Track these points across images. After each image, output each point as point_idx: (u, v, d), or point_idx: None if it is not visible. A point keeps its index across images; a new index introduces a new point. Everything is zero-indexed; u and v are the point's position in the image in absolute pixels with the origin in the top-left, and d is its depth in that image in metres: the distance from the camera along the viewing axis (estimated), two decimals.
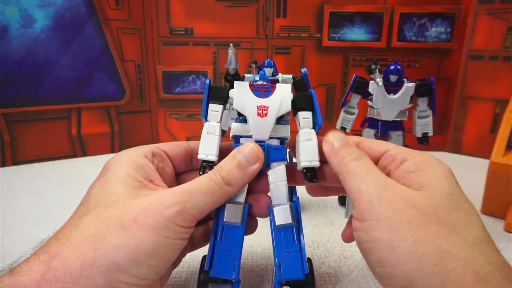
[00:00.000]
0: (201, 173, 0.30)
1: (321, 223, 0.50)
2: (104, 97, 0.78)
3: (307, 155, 0.30)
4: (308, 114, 0.32)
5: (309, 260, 0.33)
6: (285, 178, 0.31)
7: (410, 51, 0.80)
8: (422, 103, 0.48)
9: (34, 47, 0.70)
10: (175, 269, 0.35)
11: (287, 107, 0.31)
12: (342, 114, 0.51)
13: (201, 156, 0.30)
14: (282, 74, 0.50)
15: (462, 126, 0.82)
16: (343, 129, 0.51)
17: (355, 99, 0.50)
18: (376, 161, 0.29)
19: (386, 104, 0.47)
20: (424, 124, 0.49)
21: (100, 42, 0.76)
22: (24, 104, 0.72)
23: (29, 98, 0.72)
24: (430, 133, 0.49)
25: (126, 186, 0.27)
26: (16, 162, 0.73)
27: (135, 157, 0.30)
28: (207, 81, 0.32)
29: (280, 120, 0.31)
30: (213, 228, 0.30)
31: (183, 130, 0.85)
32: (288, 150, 0.33)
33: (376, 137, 0.50)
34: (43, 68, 0.72)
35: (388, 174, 0.28)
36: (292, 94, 0.32)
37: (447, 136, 0.85)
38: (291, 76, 0.49)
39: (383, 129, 0.49)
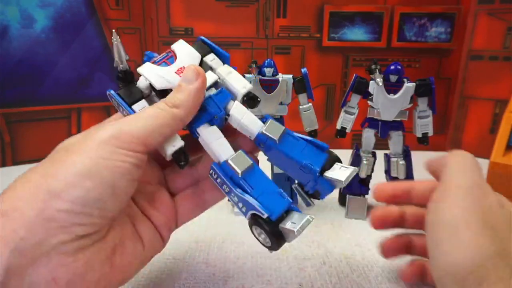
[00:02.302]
0: (181, 164, 0.30)
1: (321, 223, 0.50)
2: (104, 97, 0.77)
3: (237, 84, 0.32)
4: (212, 56, 0.33)
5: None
6: (246, 110, 0.31)
7: (410, 51, 0.80)
8: (422, 103, 0.48)
9: (34, 47, 0.70)
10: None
11: (196, 55, 0.32)
12: (342, 114, 0.51)
13: (169, 150, 0.30)
14: (282, 74, 0.50)
15: (462, 126, 0.82)
16: (343, 129, 0.51)
17: (355, 99, 0.49)
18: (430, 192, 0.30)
19: (386, 104, 0.47)
20: (424, 124, 0.49)
21: (100, 42, 0.76)
22: (24, 104, 0.72)
23: (29, 98, 0.72)
24: (430, 133, 0.49)
25: (80, 136, 0.27)
26: (16, 162, 0.73)
27: (98, 126, 0.29)
28: (111, 93, 0.31)
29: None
30: (236, 191, 0.29)
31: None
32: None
33: (376, 137, 0.50)
34: (43, 68, 0.72)
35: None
36: (191, 47, 0.32)
37: (447, 136, 0.85)
38: (291, 76, 0.49)
39: (383, 129, 0.49)
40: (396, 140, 0.49)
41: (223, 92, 0.31)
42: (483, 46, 0.77)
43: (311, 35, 0.80)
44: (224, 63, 0.33)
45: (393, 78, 0.47)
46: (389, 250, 0.35)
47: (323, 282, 0.38)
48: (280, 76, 0.49)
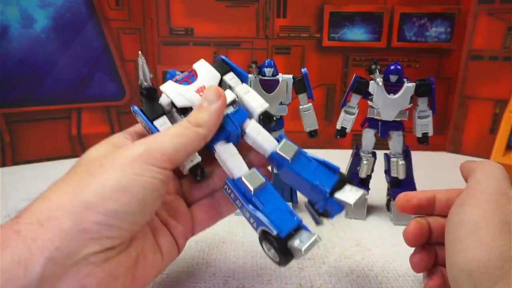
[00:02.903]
0: (197, 179, 0.33)
1: None
2: (104, 97, 0.78)
3: (254, 103, 0.33)
4: (231, 75, 0.34)
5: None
6: (262, 128, 0.33)
7: (410, 51, 0.80)
8: (422, 103, 0.48)
9: (34, 47, 0.70)
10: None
11: (216, 75, 0.33)
12: (342, 114, 0.51)
13: (187, 165, 0.32)
14: (282, 74, 0.49)
15: (462, 126, 0.82)
16: (343, 129, 0.51)
17: (355, 99, 0.49)
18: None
19: (386, 104, 0.47)
20: (424, 124, 0.49)
21: (100, 42, 0.76)
22: (24, 104, 0.72)
23: (29, 98, 0.72)
24: (430, 133, 0.49)
25: (104, 150, 0.29)
26: (16, 162, 0.73)
27: (115, 138, 0.31)
28: (135, 109, 0.32)
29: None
30: (248, 208, 0.30)
31: None
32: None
33: (376, 137, 0.50)
34: (43, 68, 0.72)
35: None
36: (211, 66, 0.34)
37: (447, 136, 0.85)
38: (291, 76, 0.49)
39: (383, 129, 0.49)
40: (396, 140, 0.49)
41: (240, 110, 0.32)
42: (483, 46, 0.77)
43: (311, 35, 0.80)
44: (242, 82, 0.34)
45: (393, 78, 0.47)
46: (420, 264, 0.34)
47: (323, 282, 0.38)
48: (280, 76, 0.49)
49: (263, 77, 0.48)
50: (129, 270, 0.27)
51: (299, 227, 0.29)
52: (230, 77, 0.34)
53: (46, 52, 0.71)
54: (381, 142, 0.51)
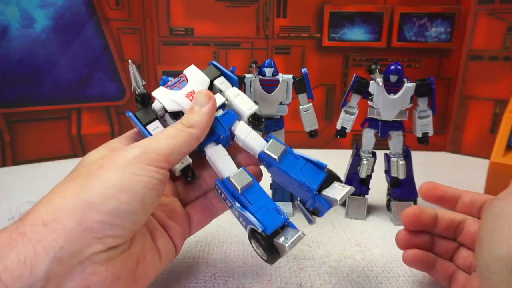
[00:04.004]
0: (188, 179, 0.35)
1: (321, 223, 0.50)
2: (104, 97, 0.78)
3: (243, 106, 0.34)
4: (221, 79, 0.36)
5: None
6: (250, 130, 0.34)
7: (410, 51, 0.80)
8: (422, 103, 0.48)
9: (34, 47, 0.70)
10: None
11: (206, 80, 0.35)
12: (342, 114, 0.51)
13: (178, 166, 0.34)
14: (282, 74, 0.50)
15: (462, 126, 0.82)
16: (343, 129, 0.51)
17: (355, 99, 0.49)
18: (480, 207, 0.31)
19: (386, 104, 0.47)
20: (424, 124, 0.49)
21: (100, 42, 0.76)
22: (24, 104, 0.72)
23: (29, 98, 0.72)
24: (430, 133, 0.49)
25: (102, 154, 0.30)
26: (16, 162, 0.73)
27: (112, 143, 0.32)
28: (129, 114, 0.34)
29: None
30: (236, 206, 0.31)
31: None
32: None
33: (376, 137, 0.50)
34: (43, 68, 0.72)
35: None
36: (201, 72, 0.35)
37: (447, 136, 0.85)
38: (291, 76, 0.49)
39: (383, 129, 0.49)
40: (396, 140, 0.49)
41: (229, 113, 0.34)
42: (483, 46, 0.77)
43: (311, 35, 0.80)
44: (232, 85, 0.36)
45: (393, 78, 0.47)
46: (403, 240, 0.35)
47: (323, 282, 0.38)
48: (280, 76, 0.49)
49: (263, 77, 0.48)
50: (131, 270, 0.27)
51: (285, 225, 0.30)
52: (220, 81, 0.35)
53: (46, 52, 0.71)
54: (381, 142, 0.51)
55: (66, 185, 0.26)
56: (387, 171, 0.52)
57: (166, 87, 0.34)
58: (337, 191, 0.30)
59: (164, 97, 0.33)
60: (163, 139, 0.29)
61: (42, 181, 0.65)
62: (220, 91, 0.35)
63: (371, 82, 0.48)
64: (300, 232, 0.29)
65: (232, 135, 0.34)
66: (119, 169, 0.26)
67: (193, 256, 0.42)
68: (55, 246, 0.23)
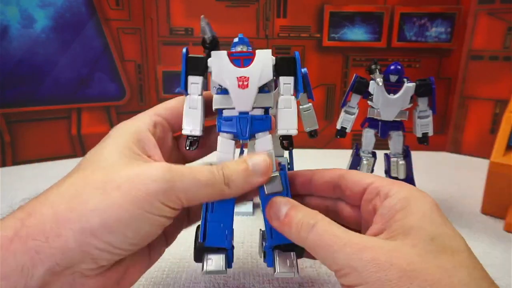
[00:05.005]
0: (187, 148, 0.30)
1: None
2: (104, 97, 0.78)
3: (284, 123, 0.30)
4: (290, 79, 0.30)
5: None
6: (272, 147, 0.30)
7: (410, 51, 0.80)
8: (422, 103, 0.48)
9: (34, 47, 0.70)
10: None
11: (268, 75, 0.29)
12: (342, 114, 0.51)
13: (185, 131, 0.30)
14: None
15: (462, 126, 0.82)
16: (343, 129, 0.51)
17: (355, 99, 0.49)
18: (361, 195, 0.29)
19: (386, 104, 0.47)
20: (424, 124, 0.49)
21: (100, 42, 0.76)
22: (24, 104, 0.72)
23: (29, 98, 0.72)
24: (430, 133, 0.49)
25: (120, 155, 0.26)
26: (16, 162, 0.73)
27: (137, 128, 0.29)
28: (184, 51, 0.30)
29: (263, 88, 0.29)
30: (203, 205, 0.30)
31: None
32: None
33: (376, 137, 0.50)
34: (43, 68, 0.72)
35: (374, 209, 0.27)
36: (273, 59, 0.30)
37: (447, 136, 0.85)
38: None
39: (383, 129, 0.49)
40: (396, 140, 0.49)
41: (266, 121, 0.30)
42: (483, 46, 0.77)
43: (311, 35, 0.80)
44: (294, 94, 0.31)
45: (393, 78, 0.47)
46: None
47: (323, 282, 0.38)
48: None
49: None
50: (119, 278, 0.27)
51: (225, 251, 0.29)
52: (286, 82, 0.30)
53: (46, 52, 0.71)
54: (381, 142, 0.51)
55: (77, 189, 0.25)
56: (387, 171, 0.52)
57: (229, 54, 0.30)
58: (284, 265, 0.28)
59: (217, 64, 0.29)
60: (193, 183, 0.26)
61: (42, 181, 0.65)
62: (280, 90, 0.30)
63: (371, 82, 0.48)
64: (224, 269, 0.28)
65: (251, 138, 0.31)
66: (134, 203, 0.24)
67: (192, 256, 0.42)
68: (52, 260, 0.23)
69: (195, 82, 0.30)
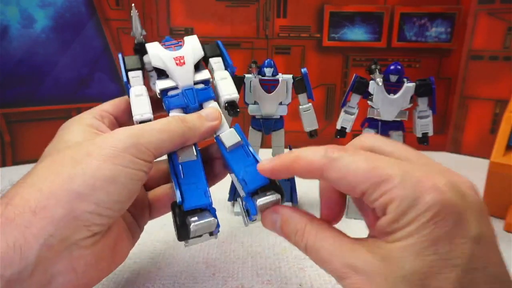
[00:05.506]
0: None
1: None
2: (104, 97, 0.77)
3: (225, 90, 0.34)
4: (218, 59, 0.36)
5: None
6: (218, 108, 0.33)
7: (410, 51, 0.80)
8: (422, 103, 0.48)
9: (34, 47, 0.70)
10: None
11: (200, 52, 0.35)
12: (342, 114, 0.51)
13: (136, 117, 0.32)
14: (282, 74, 0.49)
15: (462, 126, 0.82)
16: (343, 129, 0.51)
17: (355, 99, 0.49)
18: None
19: (386, 104, 0.47)
20: (424, 124, 0.49)
21: (100, 42, 0.76)
22: (24, 104, 0.72)
23: (29, 98, 0.72)
24: (430, 133, 0.49)
25: (83, 134, 0.30)
26: (16, 162, 0.73)
27: (87, 119, 0.33)
28: (120, 55, 0.35)
29: (197, 68, 0.34)
30: (171, 170, 0.31)
31: None
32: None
33: None
34: (43, 68, 0.72)
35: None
36: (199, 43, 0.35)
37: (447, 136, 0.85)
38: (291, 76, 0.49)
39: (383, 129, 0.49)
40: (396, 140, 0.49)
41: (207, 89, 0.34)
42: (483, 46, 0.77)
43: (311, 35, 0.80)
44: (225, 69, 0.36)
45: (393, 78, 0.47)
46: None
47: (323, 282, 0.38)
48: (280, 76, 0.49)
49: (263, 77, 0.48)
50: (112, 249, 0.28)
51: (206, 209, 0.30)
52: (216, 61, 0.36)
53: (46, 52, 0.71)
54: None
55: (51, 168, 0.27)
56: None
57: (162, 45, 0.35)
58: (262, 200, 0.28)
59: (154, 52, 0.34)
60: (154, 133, 0.29)
61: None
62: (212, 70, 0.35)
63: (371, 82, 0.48)
64: (212, 219, 0.29)
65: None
66: (109, 160, 0.26)
67: (192, 256, 0.42)
68: (45, 233, 0.23)
69: (135, 76, 0.34)
